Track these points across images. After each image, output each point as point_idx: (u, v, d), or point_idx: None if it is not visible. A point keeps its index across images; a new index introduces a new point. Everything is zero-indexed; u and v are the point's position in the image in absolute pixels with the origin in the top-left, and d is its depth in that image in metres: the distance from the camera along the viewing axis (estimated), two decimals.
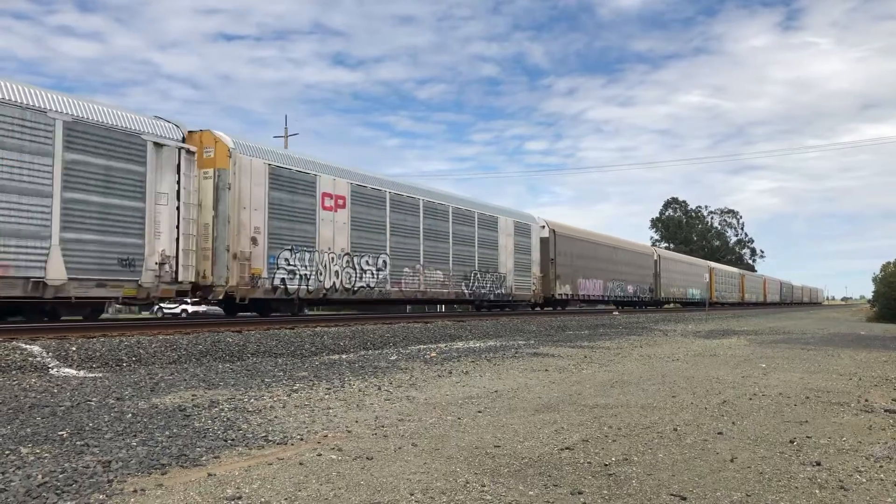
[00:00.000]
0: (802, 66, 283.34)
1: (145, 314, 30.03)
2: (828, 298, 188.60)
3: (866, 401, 5.85)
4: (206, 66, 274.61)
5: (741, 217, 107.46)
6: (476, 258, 21.82)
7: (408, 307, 26.94)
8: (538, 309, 27.04)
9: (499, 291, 23.00)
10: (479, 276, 21.86)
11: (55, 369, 7.02)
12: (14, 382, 5.98)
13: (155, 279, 12.00)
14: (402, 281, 18.09)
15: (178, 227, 12.40)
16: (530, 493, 3.03)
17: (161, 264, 12.06)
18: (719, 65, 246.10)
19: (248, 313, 15.74)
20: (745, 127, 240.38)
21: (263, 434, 4.09)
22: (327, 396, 5.59)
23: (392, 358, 8.93)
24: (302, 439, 3.99)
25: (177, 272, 12.31)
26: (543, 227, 26.97)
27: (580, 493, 3.04)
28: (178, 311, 32.43)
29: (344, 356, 9.30)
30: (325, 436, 4.09)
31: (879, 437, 4.37)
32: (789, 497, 3.04)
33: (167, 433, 4.04)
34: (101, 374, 6.81)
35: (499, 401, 5.48)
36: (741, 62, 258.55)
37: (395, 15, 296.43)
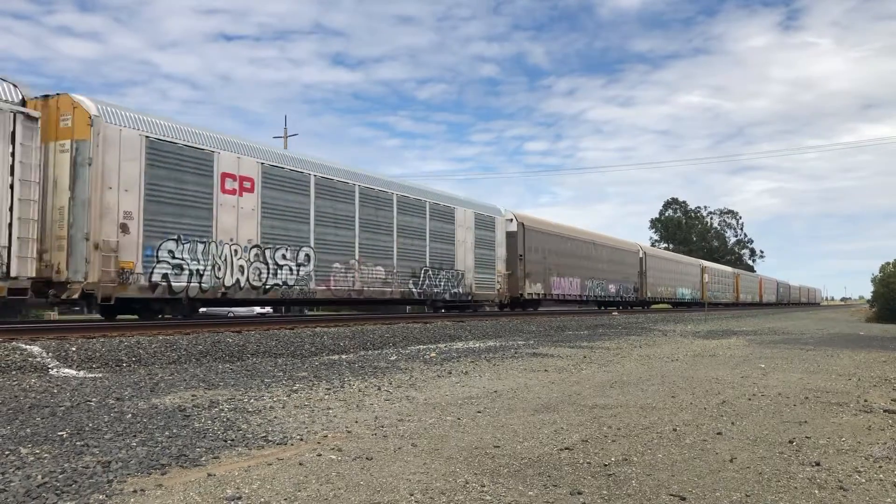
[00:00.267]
0: (802, 65, 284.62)
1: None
2: (827, 299, 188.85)
3: (865, 401, 5.86)
4: (205, 67, 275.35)
5: (741, 217, 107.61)
6: (427, 253, 19.40)
7: (407, 308, 26.20)
8: (507, 309, 24.82)
9: (456, 291, 20.69)
10: (430, 273, 19.51)
11: (55, 370, 7.02)
12: (14, 383, 5.98)
13: None
14: (332, 278, 15.77)
15: (11, 210, 10.02)
16: (530, 493, 3.04)
17: None
18: (719, 65, 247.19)
19: (130, 316, 12.99)
20: (745, 127, 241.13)
21: (263, 434, 4.09)
22: (327, 397, 5.59)
23: (392, 358, 8.94)
24: (302, 439, 3.99)
25: (8, 266, 9.95)
26: (511, 220, 24.47)
27: (580, 493, 3.05)
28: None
29: (344, 356, 9.31)
30: (325, 436, 4.09)
31: (878, 437, 4.38)
32: (789, 497, 3.04)
33: (167, 433, 4.04)
34: (100, 375, 6.82)
35: (498, 401, 5.49)
36: (741, 62, 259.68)
37: (395, 15, 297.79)
